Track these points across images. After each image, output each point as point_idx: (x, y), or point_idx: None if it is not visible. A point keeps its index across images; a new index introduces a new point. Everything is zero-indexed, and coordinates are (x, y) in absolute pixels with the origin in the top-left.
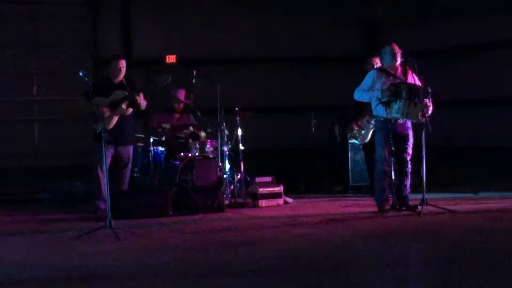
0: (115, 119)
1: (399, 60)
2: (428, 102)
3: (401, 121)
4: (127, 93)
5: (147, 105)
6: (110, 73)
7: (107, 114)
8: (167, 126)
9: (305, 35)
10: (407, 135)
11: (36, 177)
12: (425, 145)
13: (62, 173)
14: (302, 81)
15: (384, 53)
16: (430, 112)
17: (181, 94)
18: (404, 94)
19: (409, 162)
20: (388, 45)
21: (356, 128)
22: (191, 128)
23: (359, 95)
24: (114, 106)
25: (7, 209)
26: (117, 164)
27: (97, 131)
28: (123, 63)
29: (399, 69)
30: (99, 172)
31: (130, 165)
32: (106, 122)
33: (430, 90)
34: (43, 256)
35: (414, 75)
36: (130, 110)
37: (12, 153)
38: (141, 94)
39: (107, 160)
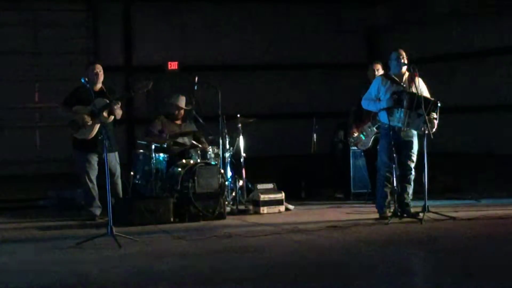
0: (97, 127)
1: (405, 66)
2: (435, 116)
3: (405, 128)
4: (108, 101)
5: (149, 112)
6: (88, 80)
7: (89, 122)
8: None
9: (307, 42)
10: (411, 142)
11: (37, 184)
12: (426, 151)
13: (63, 179)
14: (304, 87)
15: (391, 59)
16: (435, 128)
17: (182, 101)
18: (405, 103)
19: (413, 169)
20: (394, 51)
21: (356, 133)
22: (188, 139)
23: (367, 104)
24: (95, 115)
25: (8, 216)
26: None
27: (88, 139)
28: (99, 67)
29: (406, 75)
30: (87, 181)
31: (118, 172)
32: (87, 130)
33: (440, 105)
34: (44, 263)
35: (422, 83)
36: (112, 118)
37: (14, 159)
38: (119, 104)
39: (95, 168)
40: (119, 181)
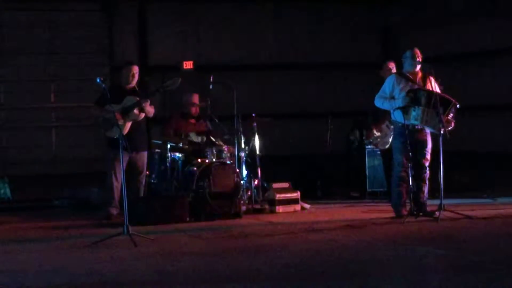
0: (128, 125)
1: (419, 66)
2: (452, 118)
3: (419, 127)
4: (138, 99)
5: (163, 111)
6: (122, 80)
7: (121, 121)
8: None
9: (322, 41)
10: (425, 141)
11: (53, 184)
12: (442, 150)
13: (79, 179)
14: (319, 87)
15: (405, 58)
16: (451, 127)
17: (195, 98)
18: (423, 100)
19: (427, 168)
20: (410, 50)
21: (376, 133)
22: (205, 137)
23: (380, 103)
24: (126, 113)
25: (24, 215)
26: (131, 171)
27: (115, 137)
28: (136, 69)
29: (420, 74)
30: (113, 179)
31: (145, 171)
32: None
33: (458, 106)
34: (59, 262)
35: (434, 82)
36: (143, 115)
37: (29, 159)
38: (148, 101)
39: (123, 167)
40: (144, 180)
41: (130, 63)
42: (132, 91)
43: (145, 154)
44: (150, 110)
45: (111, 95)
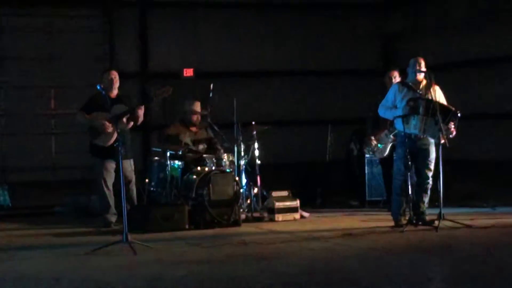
0: (115, 134)
1: (422, 74)
2: (453, 126)
3: (422, 136)
4: (127, 108)
5: (163, 118)
6: (104, 87)
7: (110, 129)
8: (184, 139)
9: (322, 49)
10: (427, 150)
11: (53, 191)
12: (442, 159)
13: (79, 186)
14: (319, 94)
15: (408, 66)
16: (452, 135)
17: (197, 106)
18: (421, 109)
19: (430, 178)
20: (413, 58)
21: (374, 142)
22: (205, 145)
23: (383, 112)
24: (115, 121)
25: (24, 222)
26: (120, 179)
27: (105, 146)
28: (114, 74)
29: (423, 83)
30: (104, 188)
31: (134, 179)
32: (107, 137)
33: (459, 115)
34: (59, 270)
35: (439, 91)
36: (131, 124)
37: (29, 166)
38: (142, 108)
39: (112, 175)
40: (134, 188)
41: (109, 68)
42: (118, 99)
43: (131, 162)
44: (141, 116)
45: (98, 103)
